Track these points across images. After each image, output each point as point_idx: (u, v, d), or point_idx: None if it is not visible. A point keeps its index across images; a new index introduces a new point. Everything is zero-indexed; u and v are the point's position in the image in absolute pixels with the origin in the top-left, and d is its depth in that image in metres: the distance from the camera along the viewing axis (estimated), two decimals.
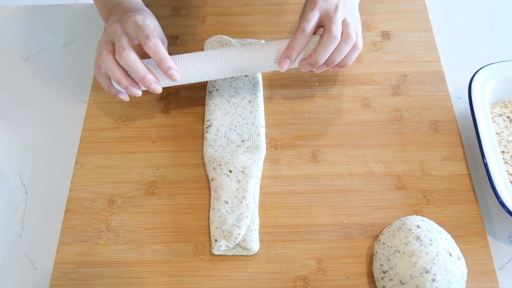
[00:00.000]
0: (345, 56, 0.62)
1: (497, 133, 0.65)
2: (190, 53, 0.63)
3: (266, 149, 0.66)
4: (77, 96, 0.73)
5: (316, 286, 0.56)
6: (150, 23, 0.60)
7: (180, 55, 0.63)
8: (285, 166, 0.65)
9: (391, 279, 0.53)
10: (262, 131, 0.66)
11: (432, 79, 0.72)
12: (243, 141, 0.65)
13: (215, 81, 0.70)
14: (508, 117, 0.67)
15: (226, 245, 0.58)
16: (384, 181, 0.63)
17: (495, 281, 0.56)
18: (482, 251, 0.58)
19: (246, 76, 0.70)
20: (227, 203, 0.60)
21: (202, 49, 0.76)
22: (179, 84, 0.64)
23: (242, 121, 0.67)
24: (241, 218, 0.59)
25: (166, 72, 0.59)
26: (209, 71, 0.63)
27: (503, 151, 0.64)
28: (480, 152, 0.60)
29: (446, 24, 0.80)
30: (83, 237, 0.60)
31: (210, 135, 0.66)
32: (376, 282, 0.55)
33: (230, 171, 0.62)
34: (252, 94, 0.69)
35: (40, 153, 0.68)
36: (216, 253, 0.58)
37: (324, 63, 0.63)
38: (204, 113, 0.69)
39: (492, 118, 0.66)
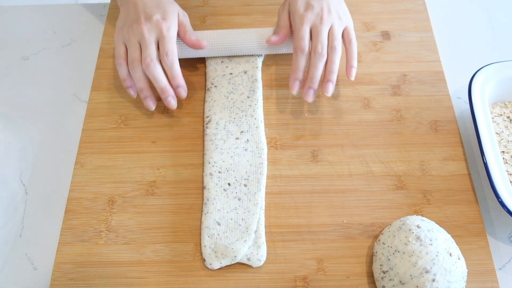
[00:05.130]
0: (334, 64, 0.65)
1: (497, 133, 0.65)
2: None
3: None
4: (77, 96, 0.73)
5: (316, 286, 0.56)
6: (174, 30, 0.65)
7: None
8: (285, 166, 0.65)
9: (391, 279, 0.53)
10: (261, 125, 0.66)
11: (432, 79, 0.72)
12: (242, 132, 0.65)
13: (213, 78, 0.70)
14: (508, 117, 0.67)
15: (221, 263, 0.55)
16: (384, 181, 0.63)
17: (495, 281, 0.56)
18: (482, 251, 0.58)
19: (245, 73, 0.70)
20: (219, 224, 0.56)
21: None
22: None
23: (241, 113, 0.66)
24: (239, 241, 0.56)
25: (175, 88, 0.66)
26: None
27: (503, 151, 0.63)
28: (480, 152, 0.60)
29: (446, 24, 0.80)
30: (83, 237, 0.60)
31: (210, 130, 0.66)
32: (376, 282, 0.55)
33: (229, 184, 0.58)
34: (251, 91, 0.69)
35: (40, 153, 0.68)
36: (212, 268, 0.57)
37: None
38: (203, 112, 0.69)
39: (492, 118, 0.66)
